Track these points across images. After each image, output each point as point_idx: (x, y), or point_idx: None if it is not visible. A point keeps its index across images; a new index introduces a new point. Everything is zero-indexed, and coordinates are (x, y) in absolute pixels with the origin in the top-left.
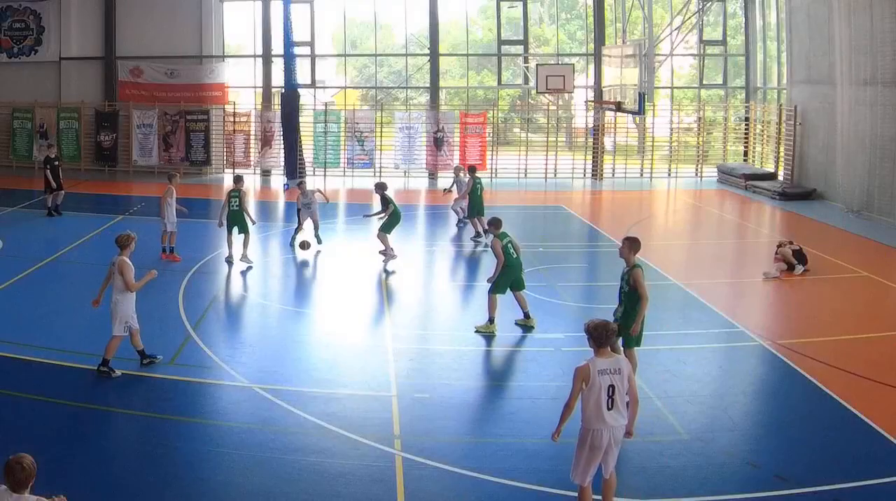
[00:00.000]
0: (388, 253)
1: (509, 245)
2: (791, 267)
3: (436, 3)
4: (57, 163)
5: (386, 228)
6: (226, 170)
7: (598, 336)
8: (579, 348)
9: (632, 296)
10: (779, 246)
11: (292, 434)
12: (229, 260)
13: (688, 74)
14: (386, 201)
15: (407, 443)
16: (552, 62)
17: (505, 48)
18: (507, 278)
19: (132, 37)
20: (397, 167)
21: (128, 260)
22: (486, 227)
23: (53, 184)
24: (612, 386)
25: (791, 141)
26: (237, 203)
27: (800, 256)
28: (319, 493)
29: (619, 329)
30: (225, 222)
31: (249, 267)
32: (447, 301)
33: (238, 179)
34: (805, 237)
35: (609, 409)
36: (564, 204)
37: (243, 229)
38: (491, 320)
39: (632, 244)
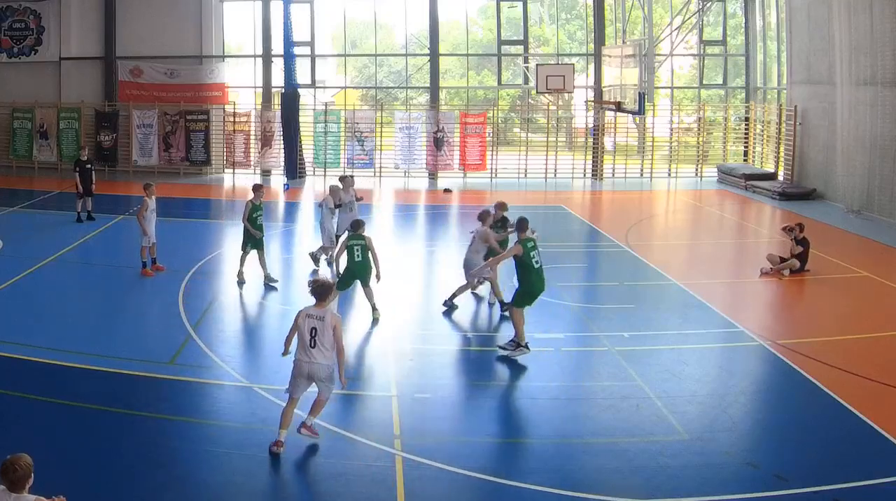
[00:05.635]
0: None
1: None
2: (802, 262)
3: (436, 3)
4: (90, 166)
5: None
6: (225, 170)
7: (316, 291)
8: (580, 348)
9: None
10: (788, 229)
11: (292, 434)
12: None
13: (688, 74)
14: (507, 223)
15: (407, 443)
16: (552, 62)
17: (505, 48)
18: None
19: (132, 37)
20: (397, 167)
21: None
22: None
23: (80, 189)
24: (314, 329)
25: (791, 141)
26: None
27: (802, 258)
28: (319, 493)
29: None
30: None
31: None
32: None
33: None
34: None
35: (312, 347)
36: (564, 204)
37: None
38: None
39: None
